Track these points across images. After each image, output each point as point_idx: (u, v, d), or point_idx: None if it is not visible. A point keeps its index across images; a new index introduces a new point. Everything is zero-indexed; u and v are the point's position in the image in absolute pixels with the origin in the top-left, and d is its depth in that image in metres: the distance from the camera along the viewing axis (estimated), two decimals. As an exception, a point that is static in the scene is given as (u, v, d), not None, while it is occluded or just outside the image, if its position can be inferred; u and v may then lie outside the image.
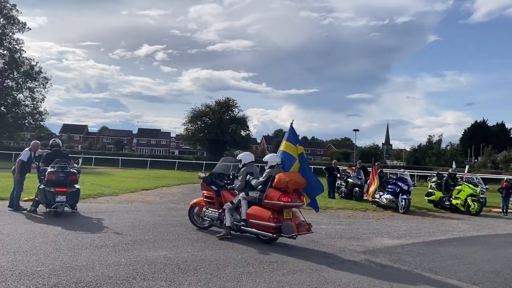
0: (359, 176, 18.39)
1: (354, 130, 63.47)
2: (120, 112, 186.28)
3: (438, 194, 16.45)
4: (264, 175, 8.17)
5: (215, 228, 8.80)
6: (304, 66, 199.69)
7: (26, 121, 51.71)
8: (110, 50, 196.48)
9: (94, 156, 44.82)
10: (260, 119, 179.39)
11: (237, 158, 8.84)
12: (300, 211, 8.55)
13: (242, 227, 8.13)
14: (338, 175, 19.42)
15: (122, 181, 21.68)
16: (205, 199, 8.93)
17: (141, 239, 7.62)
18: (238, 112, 54.01)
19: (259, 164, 9.13)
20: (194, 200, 9.61)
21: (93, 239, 7.38)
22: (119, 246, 6.92)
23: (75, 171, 10.03)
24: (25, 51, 50.98)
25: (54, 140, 10.87)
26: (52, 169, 9.61)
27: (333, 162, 20.53)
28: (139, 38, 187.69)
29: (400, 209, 14.53)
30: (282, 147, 8.61)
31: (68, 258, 5.96)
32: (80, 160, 11.14)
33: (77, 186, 10.04)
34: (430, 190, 17.24)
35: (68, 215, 9.73)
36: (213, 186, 8.83)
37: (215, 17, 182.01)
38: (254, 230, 7.95)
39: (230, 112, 53.38)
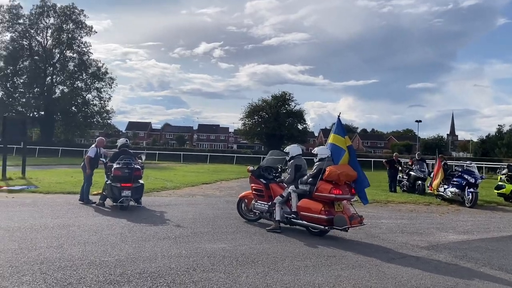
0: (422, 169, 17.63)
1: (417, 121, 60.89)
2: (181, 109, 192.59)
3: (509, 187, 15.32)
4: (314, 167, 8.14)
5: (263, 220, 8.93)
6: (362, 57, 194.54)
7: (94, 120, 55.00)
8: (170, 50, 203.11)
9: (157, 152, 46.66)
10: (317, 112, 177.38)
11: (284, 151, 8.84)
12: (351, 204, 8.42)
13: (292, 219, 8.17)
14: (400, 168, 18.76)
15: (184, 175, 22.39)
16: (254, 192, 9.03)
17: (201, 232, 7.83)
18: (294, 106, 53.86)
19: (309, 158, 9.00)
20: (243, 193, 9.78)
21: (156, 231, 7.69)
22: (180, 238, 7.16)
23: (139, 167, 10.50)
24: (92, 53, 54.24)
25: (126, 141, 11.45)
26: (117, 166, 10.14)
27: (394, 154, 19.86)
28: (197, 36, 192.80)
29: (467, 203, 13.75)
30: (330, 140, 8.54)
31: (132, 249, 6.26)
32: (144, 156, 11.64)
33: (141, 181, 10.52)
34: (500, 183, 16.10)
35: (133, 208, 10.24)
36: (261, 179, 8.92)
37: (271, 11, 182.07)
38: (304, 222, 7.97)
39: (286, 106, 53.30)
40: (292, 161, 8.57)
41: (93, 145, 11.46)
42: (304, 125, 54.49)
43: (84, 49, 53.20)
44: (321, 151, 8.37)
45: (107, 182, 10.42)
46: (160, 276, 5.01)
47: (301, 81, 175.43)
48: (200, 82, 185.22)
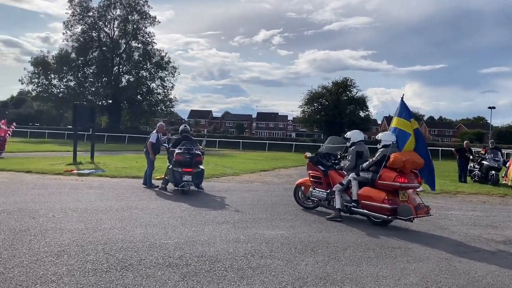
0: (495, 158, 16.38)
1: (490, 107, 57.04)
2: (240, 97, 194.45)
3: None
4: (377, 154, 7.75)
5: (320, 208, 8.73)
6: (429, 40, 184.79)
7: (158, 108, 56.99)
8: (230, 38, 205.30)
9: (217, 139, 47.53)
10: (381, 99, 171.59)
11: (345, 136, 8.49)
12: (417, 193, 7.96)
13: (352, 208, 7.87)
14: (471, 157, 17.57)
15: (243, 162, 22.55)
16: (311, 179, 8.78)
17: (259, 218, 7.74)
18: (356, 92, 52.33)
19: (371, 146, 8.58)
20: (300, 180, 9.58)
21: (215, 216, 7.71)
22: (239, 224, 7.11)
23: (200, 152, 10.62)
24: (156, 43, 56.08)
25: (185, 126, 11.62)
26: (179, 151, 10.32)
27: (464, 143, 18.60)
28: (257, 24, 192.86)
29: (549, 196, 12.57)
30: (393, 124, 8.06)
31: (192, 232, 6.29)
32: (204, 142, 11.74)
33: (201, 166, 10.64)
34: None
35: (194, 193, 10.38)
36: (320, 166, 8.65)
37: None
38: (365, 211, 7.64)
39: (348, 92, 51.92)
40: (353, 147, 8.22)
41: (154, 131, 11.74)
42: (367, 112, 52.91)
43: (148, 39, 55.14)
44: (385, 137, 7.94)
45: (169, 167, 10.66)
46: (218, 260, 4.97)
47: (363, 67, 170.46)
48: (259, 70, 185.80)
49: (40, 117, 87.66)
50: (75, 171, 14.32)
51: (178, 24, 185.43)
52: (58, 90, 53.51)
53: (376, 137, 8.29)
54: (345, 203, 8.00)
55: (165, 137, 11.70)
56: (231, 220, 7.40)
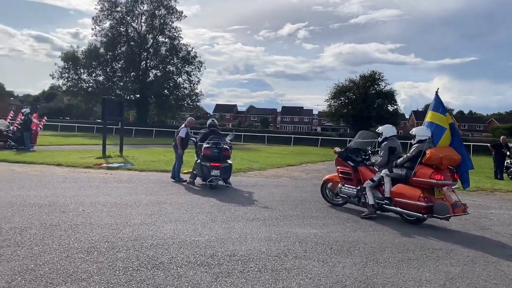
0: (535, 154, 15.62)
1: (524, 101, 54.57)
2: (265, 92, 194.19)
3: None
4: (412, 150, 7.43)
5: (348, 204, 8.49)
6: (459, 33, 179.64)
7: (185, 102, 57.32)
8: (255, 32, 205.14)
9: (243, 134, 47.46)
10: (408, 93, 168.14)
11: (377, 131, 8.21)
12: (453, 190, 7.64)
13: (384, 205, 7.58)
14: (508, 153, 16.82)
15: (269, 157, 22.34)
16: (340, 175, 8.52)
17: (290, 215, 7.52)
18: (384, 86, 51.15)
19: (401, 141, 8.21)
20: (327, 176, 9.33)
21: (245, 212, 7.53)
22: (269, 221, 6.91)
23: (228, 147, 10.46)
24: (182, 38, 56.24)
25: (213, 120, 11.48)
26: (207, 145, 10.19)
27: (501, 138, 17.85)
28: (282, 18, 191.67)
29: None
30: (428, 118, 7.73)
31: (222, 229, 6.13)
32: (232, 136, 11.56)
33: (229, 161, 10.48)
34: None
35: (222, 188, 10.24)
36: (349, 162, 8.37)
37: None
38: (399, 209, 7.34)
39: (375, 86, 50.81)
40: (385, 142, 7.91)
41: (182, 126, 11.65)
42: (395, 106, 51.61)
43: (175, 33, 55.45)
44: (420, 132, 7.58)
45: (197, 161, 10.55)
46: (250, 260, 4.77)
47: (390, 60, 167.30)
48: (284, 64, 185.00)
49: (71, 111, 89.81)
50: (104, 165, 14.42)
51: (204, 19, 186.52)
52: (87, 85, 54.46)
53: (410, 132, 7.95)
54: (377, 201, 7.71)
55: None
56: (261, 217, 7.20)
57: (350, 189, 8.27)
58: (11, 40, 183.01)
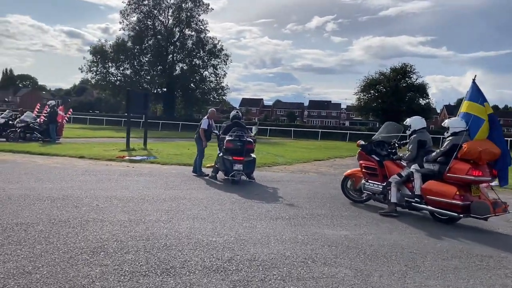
0: None
1: None
2: (292, 86, 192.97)
3: None
4: (445, 143, 6.79)
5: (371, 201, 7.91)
6: (495, 25, 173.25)
7: (211, 96, 57.13)
8: (282, 26, 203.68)
9: (268, 127, 46.85)
10: (439, 87, 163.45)
11: (405, 123, 7.55)
12: (492, 188, 6.94)
13: (414, 203, 6.94)
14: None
15: (295, 151, 21.69)
16: (364, 170, 7.88)
17: (318, 214, 6.92)
18: (416, 79, 49.21)
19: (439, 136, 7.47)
20: (349, 171, 8.68)
21: (268, 209, 6.98)
22: (295, 220, 6.34)
23: (251, 140, 9.92)
24: (209, 31, 55.98)
25: (237, 112, 10.96)
26: (229, 138, 9.68)
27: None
28: (310, 11, 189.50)
29: None
30: (464, 108, 7.06)
31: (243, 229, 5.60)
32: (255, 129, 10.97)
33: (253, 155, 9.95)
34: None
35: (245, 183, 9.72)
36: (374, 156, 7.73)
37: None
38: (431, 208, 6.73)
39: (407, 79, 49.04)
40: (414, 135, 7.26)
41: (205, 117, 11.18)
42: (427, 100, 49.66)
43: (202, 27, 55.18)
44: (454, 123, 6.90)
45: (219, 155, 10.05)
46: (273, 266, 4.22)
47: (421, 53, 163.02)
48: (311, 58, 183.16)
49: (100, 104, 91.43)
50: (126, 158, 14.14)
51: (231, 13, 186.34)
52: (115, 78, 55.01)
53: (442, 123, 7.26)
54: (405, 198, 7.10)
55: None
56: (286, 215, 6.64)
57: (375, 185, 7.64)
58: (44, 36, 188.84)
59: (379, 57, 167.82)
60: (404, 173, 7.18)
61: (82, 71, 53.37)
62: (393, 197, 7.15)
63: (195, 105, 57.35)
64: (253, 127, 10.81)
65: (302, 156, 18.54)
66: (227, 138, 9.71)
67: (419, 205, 6.91)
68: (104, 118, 56.51)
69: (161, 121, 48.85)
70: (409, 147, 7.25)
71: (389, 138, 8.07)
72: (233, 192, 8.46)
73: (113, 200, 6.99)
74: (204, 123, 10.84)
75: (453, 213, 6.42)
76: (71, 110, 24.03)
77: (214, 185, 9.40)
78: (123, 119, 52.06)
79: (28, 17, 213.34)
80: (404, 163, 7.46)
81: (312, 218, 6.59)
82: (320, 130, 45.35)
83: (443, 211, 6.56)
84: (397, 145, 7.88)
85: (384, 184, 7.44)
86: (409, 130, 7.42)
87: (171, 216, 6.12)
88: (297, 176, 11.98)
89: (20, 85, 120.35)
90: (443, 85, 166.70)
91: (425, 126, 7.48)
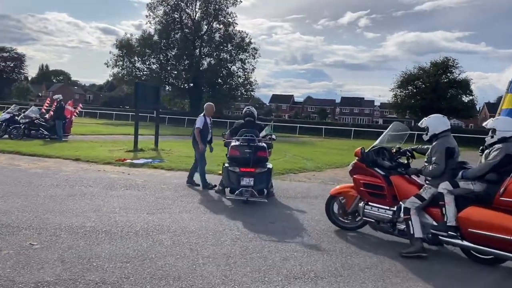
0: None
1: None
2: (323, 82, 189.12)
3: None
4: (494, 154, 4.73)
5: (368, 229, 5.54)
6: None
7: (238, 92, 55.02)
8: (314, 21, 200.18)
9: (298, 125, 44.37)
10: (477, 84, 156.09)
11: (420, 125, 5.30)
12: None
13: (445, 237, 4.84)
14: None
15: (325, 153, 19.26)
16: (363, 189, 5.60)
17: (372, 264, 4.57)
18: (459, 74, 45.31)
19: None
20: (337, 188, 6.37)
21: (286, 258, 4.68)
22: (338, 277, 4.01)
23: (264, 145, 7.57)
24: (237, 24, 53.75)
25: (248, 109, 8.68)
26: (235, 143, 7.41)
27: None
28: (342, 6, 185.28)
29: None
30: (505, 104, 6.25)
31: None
32: (268, 129, 8.37)
33: (269, 165, 7.61)
34: None
35: (258, 204, 7.37)
36: (377, 169, 5.47)
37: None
38: (470, 244, 4.66)
39: (448, 74, 45.22)
40: (437, 141, 5.09)
41: (201, 114, 8.92)
42: (471, 97, 45.53)
43: (230, 19, 53.03)
44: (502, 124, 4.89)
45: (224, 165, 7.76)
46: None
47: (458, 49, 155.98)
48: (343, 54, 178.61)
49: (130, 100, 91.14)
50: (128, 161, 12.15)
51: (262, 9, 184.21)
52: (141, 73, 53.69)
53: (484, 124, 5.22)
54: (431, 231, 4.94)
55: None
56: (315, 269, 4.32)
57: (380, 210, 5.40)
58: (81, 33, 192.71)
59: (414, 53, 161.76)
60: (425, 194, 5.03)
61: (107, 66, 52.29)
62: (417, 230, 4.93)
63: (223, 100, 55.32)
64: (266, 128, 8.34)
65: (334, 160, 16.09)
66: (233, 143, 7.46)
67: (453, 240, 4.77)
68: (130, 113, 55.38)
69: (186, 117, 47.20)
70: (434, 158, 5.01)
71: (394, 143, 5.91)
72: (239, 219, 6.18)
73: (58, 235, 4.85)
74: (199, 121, 8.60)
75: (508, 254, 4.39)
76: (80, 104, 22.40)
77: (217, 206, 7.14)
78: (148, 115, 50.76)
79: (65, 14, 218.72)
80: (417, 178, 5.39)
81: (362, 271, 4.25)
82: (352, 128, 42.40)
83: (497, 251, 4.45)
84: (408, 153, 5.66)
85: (395, 209, 5.24)
86: (426, 134, 5.25)
87: (130, 271, 3.92)
88: (329, 188, 9.60)
89: (54, 80, 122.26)
90: (481, 81, 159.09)
91: (449, 127, 5.24)
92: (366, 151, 5.72)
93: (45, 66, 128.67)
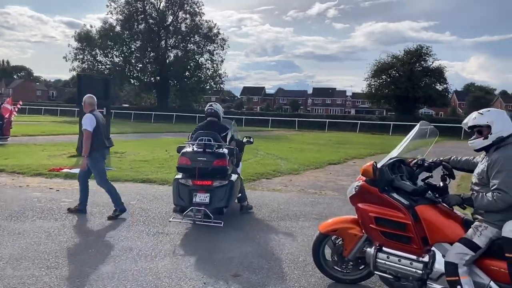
0: None
1: None
2: (294, 73, 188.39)
3: None
4: None
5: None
6: (500, 7, 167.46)
7: (207, 84, 52.67)
8: (283, 13, 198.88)
9: (270, 118, 42.54)
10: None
11: (474, 121, 3.34)
12: None
13: None
14: None
15: (301, 150, 17.44)
16: (376, 227, 3.57)
17: None
18: (432, 62, 44.32)
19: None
20: (329, 222, 4.14)
21: None
22: None
23: (224, 152, 5.61)
24: (204, 14, 51.23)
25: (211, 106, 6.51)
26: (187, 149, 5.42)
27: None
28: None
29: None
30: None
31: None
32: (232, 130, 6.34)
33: (232, 176, 5.63)
34: None
35: (216, 229, 5.41)
36: (396, 195, 3.51)
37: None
38: None
39: (422, 62, 44.19)
40: (503, 152, 3.16)
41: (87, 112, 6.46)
42: (445, 85, 44.63)
43: (196, 9, 50.44)
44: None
45: (175, 177, 5.71)
46: None
47: (424, 39, 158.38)
48: (313, 45, 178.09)
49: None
50: (65, 170, 9.97)
51: (231, 0, 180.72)
52: (104, 67, 50.50)
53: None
54: None
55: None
56: None
57: (402, 260, 3.45)
58: (44, 27, 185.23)
59: (382, 43, 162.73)
60: (479, 238, 3.15)
61: (67, 60, 48.87)
62: None
63: (191, 94, 52.77)
64: (229, 131, 6.24)
65: (311, 158, 14.27)
66: (184, 149, 5.47)
67: None
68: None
69: (153, 113, 44.60)
70: (497, 180, 3.08)
71: (414, 150, 4.00)
72: (182, 264, 4.21)
73: None
74: (87, 120, 6.21)
75: None
76: (20, 102, 19.80)
77: (161, 236, 5.14)
78: (113, 111, 47.64)
79: (27, 8, 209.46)
80: (458, 211, 3.53)
81: None
82: (327, 120, 40.86)
83: None
84: (443, 172, 3.62)
85: (426, 259, 3.34)
86: (486, 137, 3.24)
87: None
88: (311, 200, 7.76)
89: (15, 77, 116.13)
90: (446, 70, 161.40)
91: None
92: (378, 166, 3.61)
93: (5, 61, 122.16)
